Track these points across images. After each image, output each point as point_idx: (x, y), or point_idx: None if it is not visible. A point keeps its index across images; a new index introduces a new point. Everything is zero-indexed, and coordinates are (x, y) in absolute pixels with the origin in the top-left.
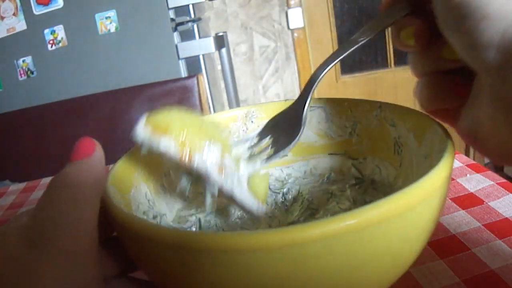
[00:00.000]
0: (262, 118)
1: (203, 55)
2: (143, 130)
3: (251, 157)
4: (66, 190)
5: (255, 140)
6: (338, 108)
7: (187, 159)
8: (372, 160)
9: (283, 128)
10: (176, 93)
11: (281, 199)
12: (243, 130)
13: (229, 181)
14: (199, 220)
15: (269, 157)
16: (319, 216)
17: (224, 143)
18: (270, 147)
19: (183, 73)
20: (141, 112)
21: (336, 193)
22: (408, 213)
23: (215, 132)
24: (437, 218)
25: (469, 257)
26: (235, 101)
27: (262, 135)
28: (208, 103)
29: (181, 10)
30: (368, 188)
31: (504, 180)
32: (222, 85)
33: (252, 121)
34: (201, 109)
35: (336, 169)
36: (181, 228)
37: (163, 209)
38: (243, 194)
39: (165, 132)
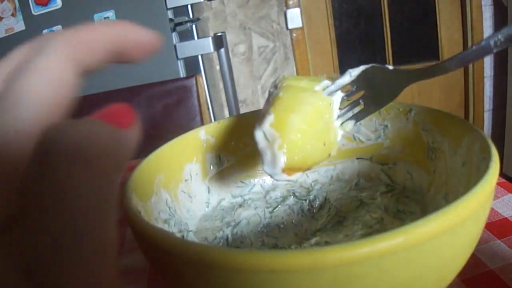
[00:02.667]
0: None
1: (201, 55)
2: (281, 176)
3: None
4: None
5: (351, 89)
6: None
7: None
8: (403, 166)
9: (376, 87)
10: (175, 93)
11: (307, 207)
12: None
13: None
14: (227, 237)
15: (358, 116)
16: (348, 224)
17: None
18: (360, 102)
19: (182, 73)
20: (139, 113)
21: (366, 201)
22: (459, 227)
23: (330, 127)
24: (483, 227)
25: None
26: (233, 102)
27: (357, 83)
28: (207, 104)
29: (180, 10)
30: (400, 196)
31: (503, 180)
32: (221, 85)
33: None
34: (200, 109)
35: (364, 174)
36: (211, 244)
37: (184, 216)
38: None
39: (298, 170)
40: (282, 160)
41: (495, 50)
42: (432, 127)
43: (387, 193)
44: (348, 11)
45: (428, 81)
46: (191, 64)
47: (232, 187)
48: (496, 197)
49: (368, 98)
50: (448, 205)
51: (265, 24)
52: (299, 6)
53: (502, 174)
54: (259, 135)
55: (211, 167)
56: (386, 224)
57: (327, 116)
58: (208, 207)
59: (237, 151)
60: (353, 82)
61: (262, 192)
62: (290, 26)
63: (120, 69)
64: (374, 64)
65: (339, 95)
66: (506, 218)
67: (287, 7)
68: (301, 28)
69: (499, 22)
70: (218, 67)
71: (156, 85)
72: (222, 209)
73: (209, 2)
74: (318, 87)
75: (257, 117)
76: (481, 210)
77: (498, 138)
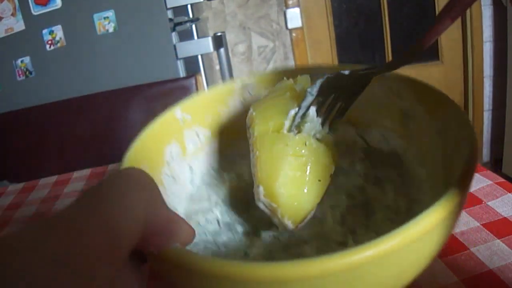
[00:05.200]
0: (261, 89)
1: (201, 55)
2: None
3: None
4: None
5: (319, 99)
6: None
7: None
8: (378, 130)
9: (342, 87)
10: (174, 93)
11: None
12: (241, 102)
13: None
14: (218, 221)
15: (342, 111)
16: (330, 192)
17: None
18: (338, 103)
19: (182, 73)
20: (139, 113)
21: (345, 168)
22: (425, 237)
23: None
24: (449, 235)
25: (468, 256)
26: None
27: (322, 93)
28: None
29: (180, 10)
30: (377, 162)
31: (502, 180)
32: None
33: (250, 93)
34: None
35: (338, 136)
36: (204, 229)
37: (172, 201)
38: None
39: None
40: (290, 225)
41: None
42: (406, 94)
43: (365, 159)
44: (348, 10)
45: (428, 80)
46: (191, 64)
47: (211, 160)
48: (495, 196)
49: (341, 96)
50: (411, 220)
51: (265, 24)
52: (298, 5)
53: (502, 174)
54: (261, 206)
55: (190, 145)
56: (368, 194)
57: (309, 154)
58: (192, 185)
59: (212, 124)
60: (318, 96)
61: (240, 162)
62: (289, 26)
63: (119, 69)
64: (328, 75)
65: (312, 110)
66: (505, 218)
67: (287, 6)
68: (301, 28)
69: (499, 22)
70: (217, 67)
71: (155, 85)
72: (207, 186)
73: (208, 2)
74: (287, 123)
75: (229, 89)
76: (451, 217)
77: (498, 138)
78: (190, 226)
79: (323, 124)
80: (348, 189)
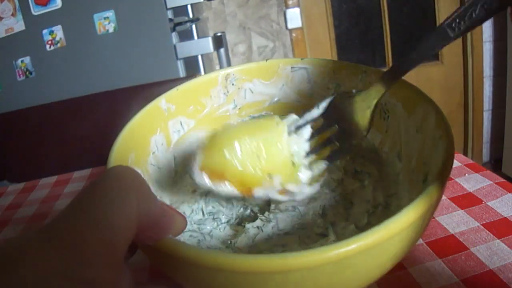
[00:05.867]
0: (243, 81)
1: (201, 55)
2: (200, 177)
3: (314, 150)
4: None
5: (319, 122)
6: (321, 69)
7: (248, 194)
8: None
9: (346, 116)
10: None
11: None
12: (224, 93)
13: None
14: (202, 210)
15: (332, 157)
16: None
17: (285, 165)
18: (332, 144)
19: (182, 73)
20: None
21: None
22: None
23: (276, 153)
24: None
25: (467, 256)
26: None
27: (324, 117)
28: None
29: (180, 10)
30: (356, 156)
31: (502, 180)
32: None
33: (232, 84)
34: None
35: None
36: (190, 218)
37: (156, 189)
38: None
39: (222, 177)
40: (199, 158)
41: (453, 38)
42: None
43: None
44: (348, 10)
45: (428, 81)
46: (191, 64)
47: (193, 150)
48: (495, 196)
49: (341, 132)
50: (381, 223)
51: (265, 24)
52: (298, 6)
53: (502, 174)
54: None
55: (174, 134)
56: (346, 186)
57: (275, 135)
58: (175, 175)
59: (196, 115)
60: (323, 115)
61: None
62: (289, 26)
63: (119, 69)
64: (336, 93)
65: (308, 129)
66: (505, 218)
67: (287, 7)
68: (301, 28)
69: (499, 22)
70: (218, 67)
71: (155, 85)
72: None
73: (208, 2)
74: (284, 120)
75: (212, 80)
76: (421, 220)
77: (498, 138)
78: (181, 214)
79: (308, 153)
80: (328, 182)
